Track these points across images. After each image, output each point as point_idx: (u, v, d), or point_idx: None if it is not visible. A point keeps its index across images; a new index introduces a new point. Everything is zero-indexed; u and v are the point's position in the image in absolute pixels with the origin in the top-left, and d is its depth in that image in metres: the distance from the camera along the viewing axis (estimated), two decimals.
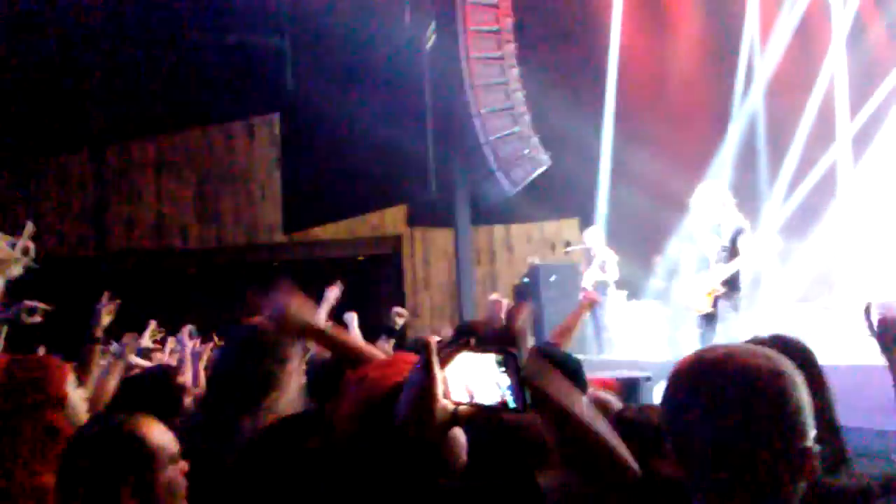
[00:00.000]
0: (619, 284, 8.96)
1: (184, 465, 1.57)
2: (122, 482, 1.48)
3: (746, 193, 9.53)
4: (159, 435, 1.55)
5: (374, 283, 11.27)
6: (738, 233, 6.04)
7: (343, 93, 9.52)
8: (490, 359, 1.21)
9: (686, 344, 6.93)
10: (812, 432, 1.11)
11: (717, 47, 10.13)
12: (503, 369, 1.20)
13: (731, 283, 6.10)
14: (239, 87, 10.47)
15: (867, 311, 1.88)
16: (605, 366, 6.50)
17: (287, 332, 1.89)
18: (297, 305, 1.77)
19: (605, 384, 3.07)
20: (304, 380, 2.21)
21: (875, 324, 1.85)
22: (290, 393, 2.06)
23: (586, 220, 10.00)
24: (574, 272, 9.05)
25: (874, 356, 1.89)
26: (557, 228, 11.13)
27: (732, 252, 6.04)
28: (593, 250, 8.64)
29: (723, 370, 1.12)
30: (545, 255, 10.66)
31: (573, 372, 2.04)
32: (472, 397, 1.24)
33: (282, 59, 10.44)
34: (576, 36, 10.09)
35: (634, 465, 1.25)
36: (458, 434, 1.31)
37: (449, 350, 1.25)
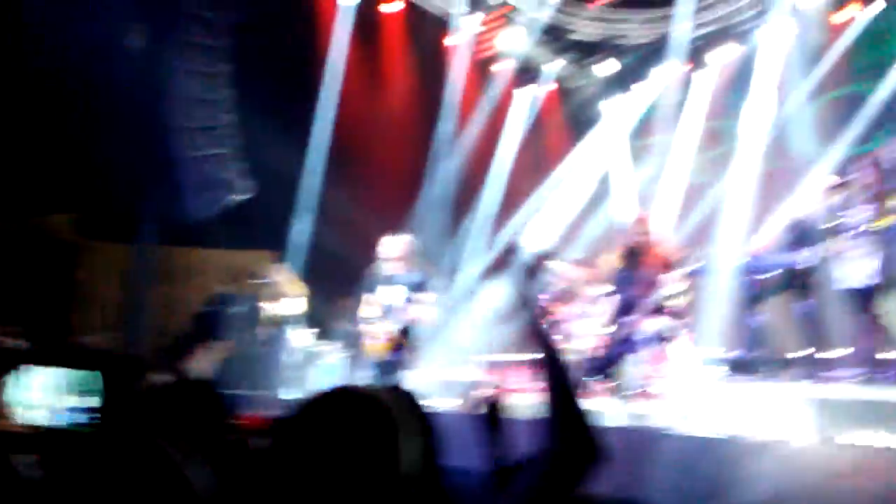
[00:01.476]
0: (309, 323, 8.96)
1: None
2: None
3: (435, 252, 10.32)
4: None
5: (40, 293, 9.88)
6: (418, 285, 6.45)
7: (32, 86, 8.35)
8: (73, 376, 1.10)
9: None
10: (409, 468, 1.20)
11: (425, 109, 10.87)
12: (87, 388, 1.09)
13: (409, 333, 6.48)
14: None
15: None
16: (275, 404, 6.41)
17: None
18: None
19: (252, 420, 2.98)
20: None
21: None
22: None
23: (282, 254, 9.89)
24: (257, 305, 8.84)
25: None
26: (250, 258, 10.82)
27: (413, 303, 6.44)
28: (280, 286, 8.59)
29: (336, 411, 1.19)
30: (234, 285, 10.29)
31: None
32: (46, 417, 1.11)
33: None
34: (297, 67, 10.08)
35: None
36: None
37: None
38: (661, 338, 5.31)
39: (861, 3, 8.84)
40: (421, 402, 1.97)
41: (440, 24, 10.68)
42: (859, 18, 8.85)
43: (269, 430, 1.23)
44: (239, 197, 9.62)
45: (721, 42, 9.88)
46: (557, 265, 8.08)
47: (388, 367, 6.52)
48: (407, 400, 1.90)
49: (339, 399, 1.23)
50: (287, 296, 8.50)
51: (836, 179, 6.02)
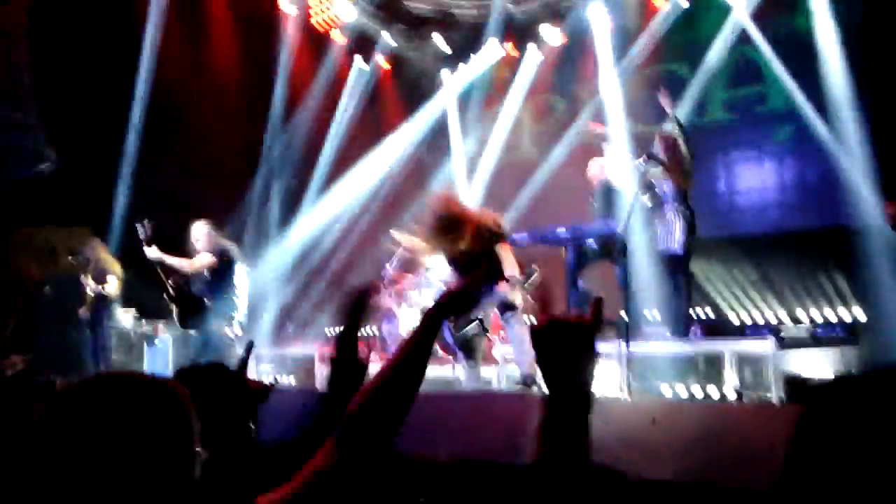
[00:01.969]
0: (131, 302, 8.51)
1: None
2: None
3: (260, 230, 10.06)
4: None
5: None
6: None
7: None
8: None
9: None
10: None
11: (258, 78, 10.42)
12: None
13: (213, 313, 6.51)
14: None
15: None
16: None
17: None
18: None
19: None
20: None
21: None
22: None
23: (99, 231, 9.17)
24: (76, 285, 8.22)
25: None
26: (63, 236, 9.95)
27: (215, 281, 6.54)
28: (103, 263, 8.09)
29: (112, 394, 1.17)
30: (46, 265, 9.45)
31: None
32: None
33: None
34: (111, 24, 9.19)
35: None
36: None
37: None
38: (505, 306, 5.48)
39: None
40: (243, 378, 1.96)
41: None
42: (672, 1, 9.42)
43: (39, 413, 1.17)
44: (44, 168, 8.75)
45: (550, 20, 10.20)
46: (401, 235, 8.10)
47: (217, 344, 6.40)
48: (224, 377, 1.91)
49: (112, 382, 1.21)
50: (111, 273, 8.02)
51: (646, 151, 6.40)
